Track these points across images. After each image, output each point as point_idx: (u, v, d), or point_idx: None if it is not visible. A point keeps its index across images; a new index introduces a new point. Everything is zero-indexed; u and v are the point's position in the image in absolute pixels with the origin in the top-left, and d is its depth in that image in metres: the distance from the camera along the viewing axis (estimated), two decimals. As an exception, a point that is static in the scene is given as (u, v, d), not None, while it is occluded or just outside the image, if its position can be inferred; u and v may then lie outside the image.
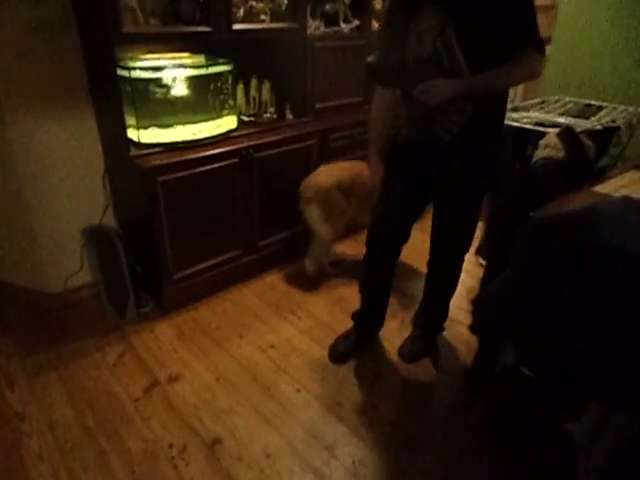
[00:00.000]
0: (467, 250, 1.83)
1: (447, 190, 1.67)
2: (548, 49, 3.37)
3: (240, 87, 2.48)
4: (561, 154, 1.77)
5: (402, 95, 1.63)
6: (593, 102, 2.48)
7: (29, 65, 1.91)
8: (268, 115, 2.55)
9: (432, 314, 2.06)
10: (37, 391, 1.82)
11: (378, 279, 1.93)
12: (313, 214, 2.33)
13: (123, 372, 1.92)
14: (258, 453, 1.59)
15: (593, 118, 2.15)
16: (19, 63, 1.88)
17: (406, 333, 2.13)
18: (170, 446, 1.61)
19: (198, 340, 2.12)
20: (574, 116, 2.23)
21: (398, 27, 1.50)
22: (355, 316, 2.08)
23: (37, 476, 1.50)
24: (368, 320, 2.07)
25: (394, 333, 2.17)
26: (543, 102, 2.56)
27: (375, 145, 1.78)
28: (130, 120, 2.03)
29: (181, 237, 2.16)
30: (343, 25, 2.65)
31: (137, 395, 1.81)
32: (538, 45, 1.42)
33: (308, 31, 2.44)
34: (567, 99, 2.59)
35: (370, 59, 1.64)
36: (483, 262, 2.74)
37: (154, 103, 2.06)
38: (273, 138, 2.36)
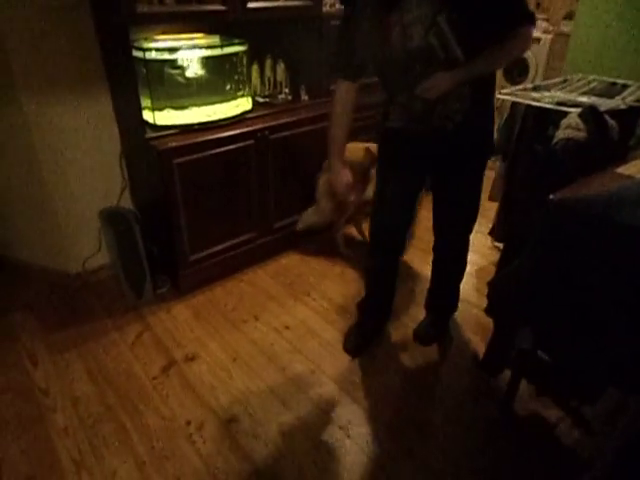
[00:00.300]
0: (472, 230, 1.81)
1: (448, 175, 1.64)
2: (571, 25, 3.24)
3: (255, 67, 2.46)
4: (583, 134, 1.72)
5: (387, 88, 1.56)
6: (618, 80, 2.39)
7: (45, 47, 1.91)
8: (283, 96, 2.52)
9: (442, 298, 2.06)
10: (60, 368, 1.88)
11: (383, 269, 1.92)
12: (320, 185, 2.43)
13: (141, 351, 1.97)
14: (274, 432, 1.62)
15: (617, 97, 2.08)
16: (35, 45, 1.89)
17: (422, 316, 2.13)
18: (188, 423, 1.65)
19: (214, 321, 2.15)
20: (598, 95, 2.16)
21: (376, 19, 1.39)
22: (360, 306, 2.08)
23: (62, 449, 1.56)
24: (374, 311, 2.06)
25: (408, 315, 2.17)
26: (565, 81, 2.48)
27: (337, 144, 1.64)
28: (145, 102, 2.03)
29: (197, 219, 2.17)
30: (359, 2, 2.58)
31: (155, 374, 1.86)
32: (530, 19, 1.37)
33: (324, 9, 2.39)
34: (591, 77, 2.50)
35: (339, 56, 1.54)
36: (497, 244, 2.71)
37: (169, 84, 2.06)
38: (288, 119, 2.34)
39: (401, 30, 1.37)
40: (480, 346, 1.99)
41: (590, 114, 1.74)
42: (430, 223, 1.83)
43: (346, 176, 1.68)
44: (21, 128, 2.01)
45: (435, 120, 1.48)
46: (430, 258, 1.96)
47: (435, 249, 1.91)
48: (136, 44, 1.98)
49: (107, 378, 1.83)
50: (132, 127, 2.10)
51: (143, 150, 2.07)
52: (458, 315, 2.19)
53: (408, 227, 1.81)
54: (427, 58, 1.38)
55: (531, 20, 1.37)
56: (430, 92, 1.41)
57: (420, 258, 2.61)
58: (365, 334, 2.02)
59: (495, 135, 2.40)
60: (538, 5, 4.98)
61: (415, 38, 1.36)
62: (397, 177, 1.68)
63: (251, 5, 2.11)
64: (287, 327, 2.12)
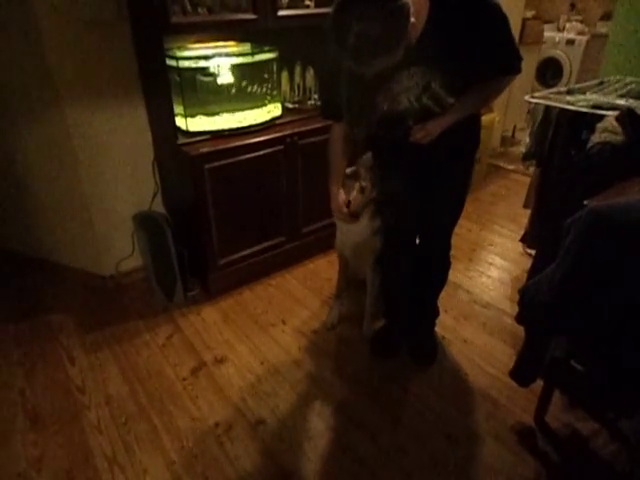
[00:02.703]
0: (452, 230, 1.76)
1: (433, 173, 1.61)
2: (608, 25, 3.15)
3: (284, 74, 2.49)
4: (620, 138, 1.67)
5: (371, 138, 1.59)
6: (657, 82, 2.31)
7: (86, 59, 1.99)
8: (312, 102, 2.55)
9: (424, 305, 2.00)
10: (94, 367, 1.94)
11: (399, 272, 1.90)
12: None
13: (172, 352, 2.01)
14: (300, 435, 1.63)
15: (657, 100, 2.01)
16: (77, 58, 1.97)
17: (455, 324, 2.10)
18: (216, 425, 1.67)
19: (243, 324, 2.18)
20: (636, 97, 2.09)
21: (359, 83, 1.33)
22: (385, 313, 2.08)
23: (96, 446, 1.61)
24: (398, 313, 2.04)
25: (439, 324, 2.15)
26: (601, 83, 2.41)
27: (336, 174, 1.72)
28: (178, 109, 2.08)
29: (227, 223, 2.21)
30: (388, 8, 2.59)
31: (185, 375, 1.89)
32: (518, 69, 1.38)
33: (353, 15, 2.40)
34: (628, 79, 2.42)
35: (326, 103, 1.59)
36: (529, 251, 2.65)
37: (201, 92, 2.10)
38: (317, 125, 2.35)
39: (387, 96, 1.38)
40: (511, 355, 1.94)
41: (628, 117, 1.69)
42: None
43: (340, 198, 1.71)
44: (62, 136, 2.09)
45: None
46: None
47: (418, 247, 1.85)
48: (170, 53, 2.04)
49: (139, 378, 1.88)
50: (165, 133, 2.16)
51: (175, 156, 2.12)
52: (488, 323, 2.15)
53: (417, 214, 1.79)
54: (422, 115, 1.41)
55: (518, 69, 1.37)
56: (425, 139, 1.43)
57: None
58: (392, 339, 2.01)
59: (527, 140, 2.37)
60: (573, 6, 4.87)
61: (403, 102, 1.39)
62: (397, 176, 1.68)
63: (281, 13, 2.15)
64: (315, 331, 2.12)
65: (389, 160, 1.69)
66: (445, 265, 1.88)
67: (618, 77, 2.48)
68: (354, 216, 1.73)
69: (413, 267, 1.91)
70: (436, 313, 2.03)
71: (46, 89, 2.00)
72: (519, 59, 1.36)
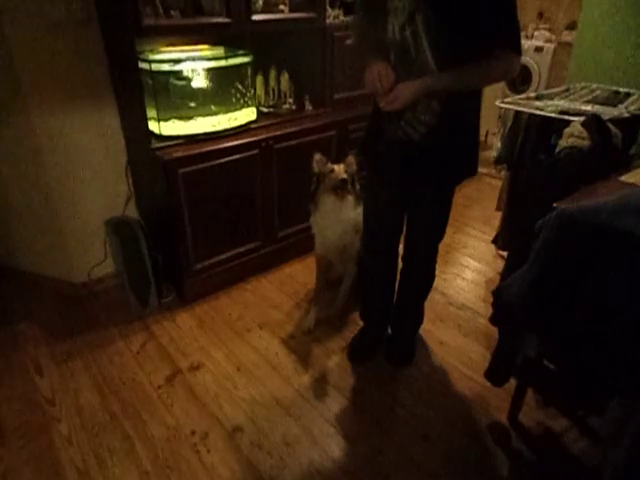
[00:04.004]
0: (439, 243, 1.79)
1: (419, 188, 1.62)
2: (573, 34, 3.25)
3: (259, 78, 2.48)
4: (587, 143, 1.73)
5: None
6: (621, 89, 2.40)
7: (54, 61, 1.94)
8: (287, 106, 2.54)
9: (409, 312, 2.01)
10: (65, 377, 1.88)
11: (379, 271, 1.91)
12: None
13: (146, 360, 1.97)
14: (278, 441, 1.62)
15: (621, 105, 2.08)
16: (44, 59, 1.92)
17: (431, 326, 2.12)
18: (192, 433, 1.64)
19: (219, 330, 2.15)
20: (601, 103, 2.16)
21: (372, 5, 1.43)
22: (362, 315, 2.09)
23: (67, 459, 1.56)
24: (375, 316, 2.05)
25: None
26: (568, 89, 2.49)
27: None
28: (151, 112, 2.05)
29: (202, 228, 2.19)
30: (362, 14, 2.61)
31: (160, 383, 1.86)
32: (516, 46, 1.30)
33: (327, 20, 2.41)
34: (594, 86, 2.51)
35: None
36: (502, 252, 2.70)
37: (174, 95, 2.08)
38: (292, 129, 2.36)
39: (382, 15, 1.38)
40: (485, 355, 1.97)
41: (593, 122, 1.75)
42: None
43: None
44: (29, 140, 2.04)
45: (403, 126, 1.47)
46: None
47: (404, 259, 1.87)
48: (142, 56, 2.01)
49: (112, 387, 1.84)
50: (138, 137, 2.13)
51: (148, 160, 2.09)
52: (463, 325, 2.18)
53: (400, 228, 1.81)
54: (401, 52, 1.37)
55: (515, 47, 1.31)
56: (395, 104, 1.39)
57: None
58: (369, 342, 2.02)
59: (498, 144, 2.42)
60: (541, 15, 5.02)
61: (389, 28, 1.37)
62: (379, 182, 1.69)
63: (256, 17, 2.14)
64: (292, 336, 2.11)
65: (378, 165, 1.68)
66: (429, 278, 1.90)
67: (583, 84, 2.57)
68: (344, 184, 1.97)
69: (392, 271, 1.93)
70: (420, 321, 2.04)
71: (11, 91, 1.94)
72: (519, 39, 1.29)
